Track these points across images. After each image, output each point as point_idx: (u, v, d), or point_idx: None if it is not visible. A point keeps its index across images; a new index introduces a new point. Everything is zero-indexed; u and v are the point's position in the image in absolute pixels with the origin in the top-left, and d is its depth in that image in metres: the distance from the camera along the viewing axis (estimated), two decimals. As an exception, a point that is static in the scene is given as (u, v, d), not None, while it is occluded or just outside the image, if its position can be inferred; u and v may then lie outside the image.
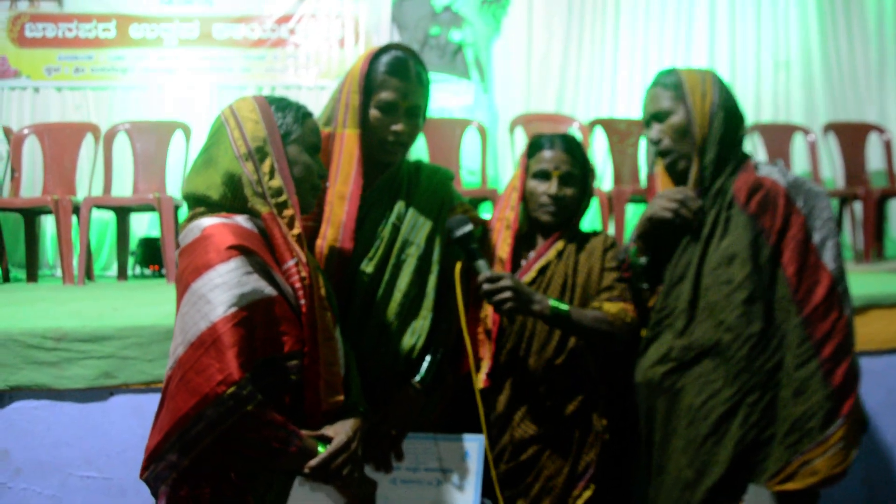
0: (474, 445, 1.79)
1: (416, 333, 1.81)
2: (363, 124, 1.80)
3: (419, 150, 4.78)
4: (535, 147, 2.09)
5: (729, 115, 1.86)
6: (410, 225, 1.86)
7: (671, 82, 1.89)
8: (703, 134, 1.84)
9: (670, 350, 1.82)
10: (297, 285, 1.47)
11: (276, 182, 1.49)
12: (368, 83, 1.80)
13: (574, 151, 2.06)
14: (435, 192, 1.93)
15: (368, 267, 1.80)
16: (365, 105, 1.80)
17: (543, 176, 2.04)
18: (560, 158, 2.03)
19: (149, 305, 2.93)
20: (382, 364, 1.78)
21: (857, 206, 4.84)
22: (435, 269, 1.86)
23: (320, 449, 1.45)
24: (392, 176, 1.90)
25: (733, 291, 1.76)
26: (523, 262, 2.07)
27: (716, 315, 1.78)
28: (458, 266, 1.84)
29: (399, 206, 1.87)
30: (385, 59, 1.82)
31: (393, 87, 1.79)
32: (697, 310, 1.82)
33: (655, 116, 1.91)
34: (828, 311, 1.72)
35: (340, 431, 1.49)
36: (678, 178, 1.93)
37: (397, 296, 1.80)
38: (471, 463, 1.78)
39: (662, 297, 1.88)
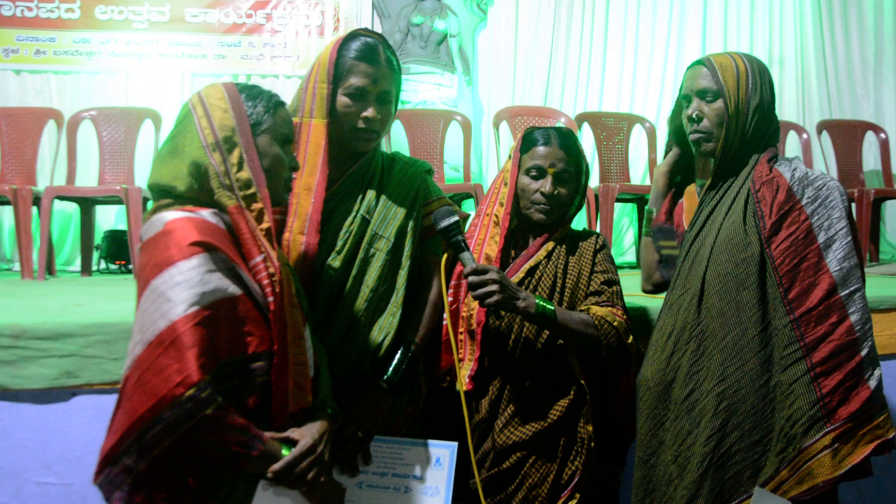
0: (445, 452, 1.77)
1: (383, 331, 1.80)
2: (332, 113, 1.79)
3: (400, 144, 4.69)
4: (529, 142, 2.03)
5: (764, 115, 1.83)
6: (381, 217, 1.84)
7: (722, 66, 1.84)
8: (741, 128, 1.82)
9: (671, 333, 1.82)
10: (265, 282, 1.45)
11: (245, 174, 1.46)
12: (337, 71, 1.79)
13: (570, 148, 2.02)
14: (409, 184, 1.91)
15: (335, 261, 1.78)
16: (333, 94, 1.79)
17: (538, 173, 1.99)
18: (556, 155, 1.99)
19: (115, 301, 2.85)
20: (348, 362, 1.76)
21: (852, 208, 4.73)
22: (406, 263, 1.85)
23: (284, 452, 1.43)
24: (364, 167, 1.88)
25: (727, 273, 1.75)
26: (510, 262, 2.04)
27: (708, 298, 1.77)
28: (444, 259, 1.83)
29: (369, 197, 1.85)
30: (354, 45, 1.80)
31: (362, 72, 1.78)
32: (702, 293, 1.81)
33: (700, 93, 1.86)
34: (824, 315, 1.67)
35: (307, 434, 1.47)
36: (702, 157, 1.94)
37: (365, 291, 1.79)
38: (441, 470, 1.76)
39: (675, 277, 1.89)
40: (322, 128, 1.77)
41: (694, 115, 1.85)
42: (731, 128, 1.80)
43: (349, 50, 1.79)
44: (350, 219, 1.81)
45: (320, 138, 1.77)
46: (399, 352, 1.80)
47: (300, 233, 1.75)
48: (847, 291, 1.68)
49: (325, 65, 1.78)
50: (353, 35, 1.83)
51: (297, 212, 1.75)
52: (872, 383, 1.65)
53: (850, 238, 1.71)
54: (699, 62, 1.88)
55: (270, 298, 1.44)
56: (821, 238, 1.70)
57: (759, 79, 1.82)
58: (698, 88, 1.85)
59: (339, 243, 1.79)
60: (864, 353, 1.65)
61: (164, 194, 1.49)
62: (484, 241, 2.01)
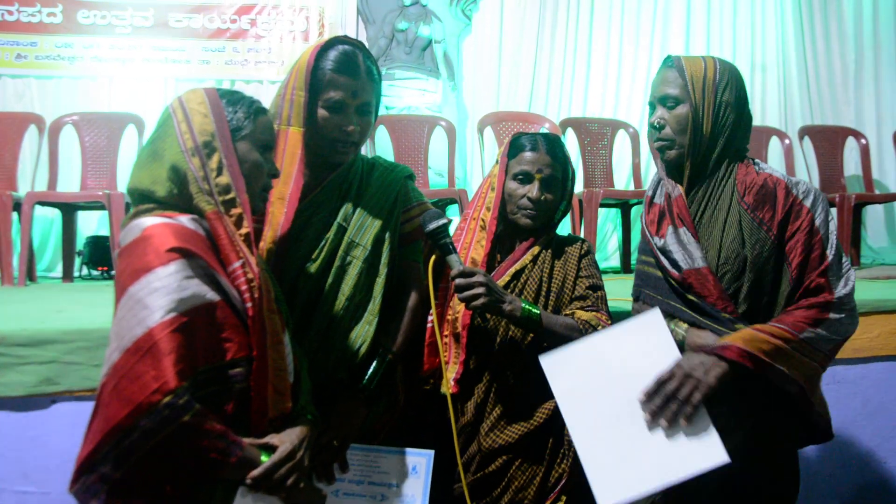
0: (422, 461, 1.77)
1: (360, 339, 1.79)
2: (310, 123, 1.77)
3: (384, 149, 4.69)
4: (516, 147, 2.04)
5: (738, 116, 1.83)
6: (357, 225, 1.83)
7: (686, 69, 1.83)
8: (710, 131, 1.81)
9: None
10: (244, 288, 1.44)
11: (224, 179, 1.46)
12: (315, 80, 1.75)
13: (557, 154, 2.02)
14: (387, 190, 1.89)
15: (311, 269, 1.77)
16: (311, 103, 1.76)
17: (525, 178, 2.00)
18: (543, 161, 1.99)
19: (96, 307, 2.83)
20: (324, 370, 1.75)
21: (833, 213, 4.77)
22: (384, 271, 1.84)
23: (263, 458, 1.42)
24: (342, 175, 1.86)
25: (728, 285, 1.78)
26: (496, 265, 2.04)
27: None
28: (432, 261, 1.81)
29: (347, 205, 1.84)
30: (332, 54, 1.77)
31: (342, 85, 1.75)
32: None
33: (662, 100, 1.85)
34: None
35: (286, 440, 1.47)
36: (669, 166, 1.91)
37: (341, 299, 1.78)
38: (417, 479, 1.76)
39: None
40: (299, 136, 1.75)
41: (656, 123, 1.85)
42: (698, 129, 1.80)
43: (327, 60, 1.75)
44: (326, 227, 1.80)
45: (296, 147, 1.75)
46: (375, 360, 1.79)
47: (272, 242, 1.74)
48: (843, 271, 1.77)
49: (302, 72, 1.75)
50: (330, 43, 1.79)
51: (270, 221, 1.74)
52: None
53: (836, 233, 1.79)
54: (669, 63, 1.86)
55: (249, 304, 1.44)
56: (822, 231, 1.75)
57: (728, 78, 1.82)
58: (660, 95, 1.84)
59: (316, 252, 1.78)
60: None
61: (144, 199, 1.48)
62: (470, 245, 2.01)
